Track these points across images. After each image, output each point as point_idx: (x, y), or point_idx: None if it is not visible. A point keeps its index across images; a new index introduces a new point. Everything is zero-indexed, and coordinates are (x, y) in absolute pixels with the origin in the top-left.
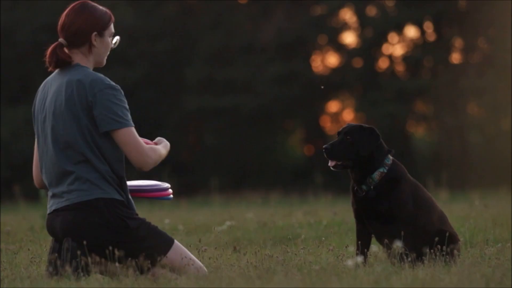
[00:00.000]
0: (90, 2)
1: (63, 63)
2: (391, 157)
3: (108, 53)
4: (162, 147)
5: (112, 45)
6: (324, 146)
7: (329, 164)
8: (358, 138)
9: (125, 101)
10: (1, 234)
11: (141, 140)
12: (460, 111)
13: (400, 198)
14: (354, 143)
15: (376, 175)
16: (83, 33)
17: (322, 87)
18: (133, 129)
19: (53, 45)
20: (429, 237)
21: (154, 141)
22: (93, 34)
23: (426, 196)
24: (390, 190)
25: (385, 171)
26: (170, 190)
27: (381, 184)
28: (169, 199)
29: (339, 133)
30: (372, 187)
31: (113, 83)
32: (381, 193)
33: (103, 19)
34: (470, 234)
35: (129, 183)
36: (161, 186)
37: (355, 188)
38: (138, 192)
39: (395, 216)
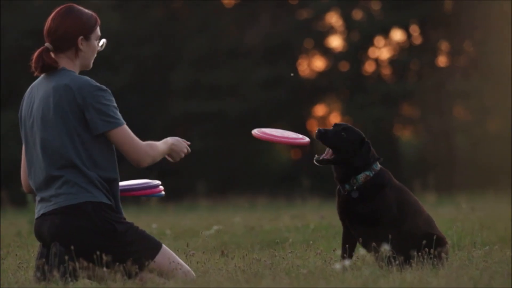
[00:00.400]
0: (75, 6)
1: (49, 68)
2: (378, 164)
3: (95, 56)
4: (161, 142)
5: (99, 48)
6: (318, 128)
7: (314, 158)
8: (352, 140)
9: (114, 100)
10: None
11: (135, 137)
12: (447, 114)
13: (383, 202)
14: (344, 140)
15: (361, 177)
16: (69, 37)
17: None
18: (126, 127)
19: (39, 50)
20: (415, 241)
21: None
22: (79, 38)
23: (411, 200)
24: (374, 194)
25: (371, 175)
26: (161, 187)
27: (365, 187)
28: (161, 195)
29: (336, 124)
30: (355, 187)
31: (100, 85)
32: (364, 196)
33: (89, 22)
34: (457, 237)
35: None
36: (152, 183)
37: (338, 188)
38: (129, 191)
39: (378, 220)
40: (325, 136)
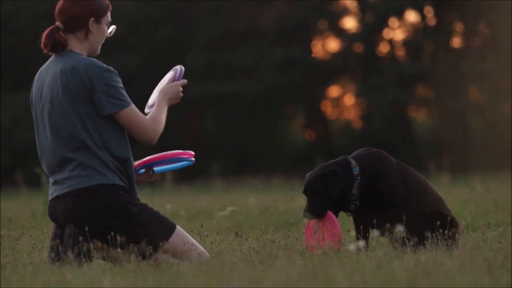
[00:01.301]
0: None
1: (59, 46)
2: (354, 163)
3: (103, 41)
4: (157, 107)
5: (108, 34)
6: (302, 215)
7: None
8: (325, 188)
9: (120, 81)
10: (3, 221)
11: (142, 115)
12: (461, 95)
13: (387, 184)
14: (323, 194)
15: (355, 190)
16: (81, 18)
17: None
18: (133, 107)
19: (49, 28)
20: (424, 220)
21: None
22: (90, 20)
23: (416, 179)
24: (376, 184)
25: (359, 181)
26: (192, 156)
27: (364, 190)
28: (191, 162)
29: (304, 193)
30: (357, 202)
31: (106, 66)
32: (367, 196)
33: (101, 6)
34: (471, 218)
35: (148, 157)
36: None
37: (347, 212)
38: (161, 160)
39: (390, 202)
40: (313, 213)
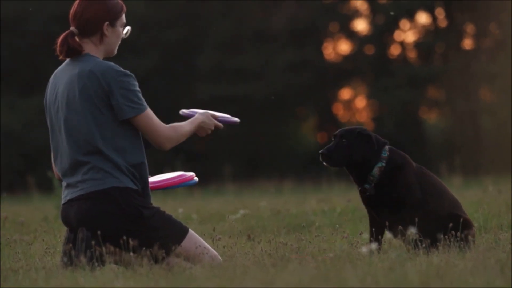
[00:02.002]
0: None
1: (74, 52)
2: (387, 148)
3: (119, 43)
4: (188, 122)
5: (123, 36)
6: (320, 151)
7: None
8: (354, 142)
9: (137, 85)
10: (15, 225)
11: (159, 121)
12: (472, 96)
13: (406, 183)
14: (349, 146)
15: (376, 171)
16: (95, 22)
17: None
18: (149, 112)
19: (64, 34)
20: (440, 222)
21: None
22: (105, 23)
23: (434, 181)
24: (395, 179)
25: (384, 164)
26: (195, 177)
27: (383, 178)
28: (195, 182)
29: (334, 135)
30: (373, 184)
31: (124, 70)
32: (385, 186)
33: (115, 9)
34: (484, 220)
35: (152, 178)
36: (186, 175)
37: (360, 189)
38: (163, 184)
39: (403, 203)
40: (330, 157)
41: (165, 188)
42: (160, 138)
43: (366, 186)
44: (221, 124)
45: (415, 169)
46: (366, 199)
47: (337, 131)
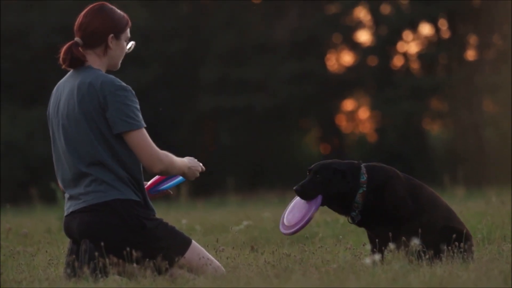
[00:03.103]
0: (108, 4)
1: (77, 62)
2: (364, 171)
3: (123, 57)
4: (178, 159)
5: (127, 50)
6: (294, 188)
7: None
8: (327, 177)
9: (137, 101)
10: (19, 237)
11: (152, 143)
12: (476, 107)
13: (394, 198)
14: (323, 181)
15: (358, 197)
16: (100, 34)
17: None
18: (144, 131)
19: (68, 43)
20: (435, 234)
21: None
22: (110, 36)
23: (425, 193)
24: (380, 197)
25: (365, 189)
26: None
27: (368, 200)
28: (182, 180)
29: (309, 170)
30: (357, 211)
31: (124, 84)
32: (371, 207)
33: (120, 22)
34: (487, 231)
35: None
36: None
37: (348, 219)
38: (154, 189)
39: (397, 217)
40: (304, 192)
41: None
42: (152, 158)
43: (353, 214)
44: (203, 168)
45: (403, 181)
46: (358, 223)
47: (312, 166)
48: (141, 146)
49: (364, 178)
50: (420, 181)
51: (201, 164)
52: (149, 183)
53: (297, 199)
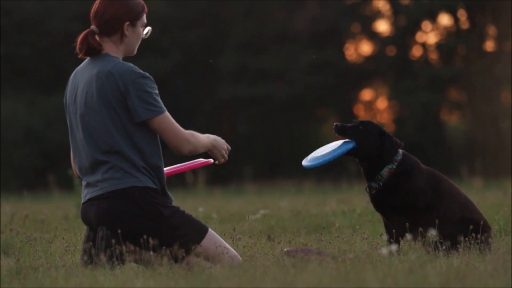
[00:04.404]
0: None
1: (93, 51)
2: (401, 152)
3: (139, 43)
4: (203, 136)
5: (143, 36)
6: (334, 124)
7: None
8: (369, 131)
9: (156, 87)
10: (36, 223)
11: (177, 124)
12: (494, 99)
13: (414, 188)
14: (363, 132)
15: (385, 171)
16: (115, 22)
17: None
18: (168, 114)
19: (84, 32)
20: (453, 225)
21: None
22: (125, 23)
23: (445, 185)
24: (402, 183)
25: (394, 167)
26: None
27: (390, 179)
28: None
29: (354, 120)
30: (381, 183)
31: (143, 72)
32: (392, 188)
33: (136, 9)
34: (504, 222)
35: (169, 168)
36: (202, 160)
37: (366, 186)
38: (180, 169)
39: (413, 207)
40: (343, 130)
41: (182, 171)
42: (179, 140)
43: (373, 184)
44: (229, 147)
45: (425, 173)
46: (374, 201)
47: (361, 120)
48: (167, 130)
49: (398, 157)
50: (441, 173)
51: (227, 144)
52: (179, 165)
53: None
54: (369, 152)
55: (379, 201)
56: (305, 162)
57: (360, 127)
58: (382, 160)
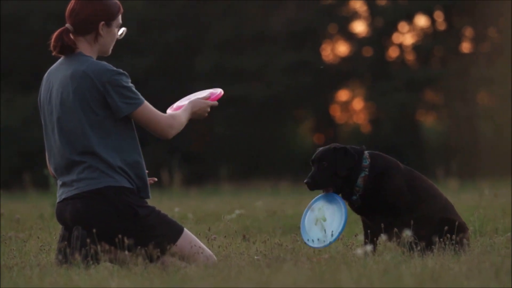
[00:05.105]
0: None
1: (68, 49)
2: (367, 155)
3: (114, 43)
4: (182, 111)
5: (118, 37)
6: (304, 181)
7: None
8: (333, 160)
9: (130, 81)
10: (11, 222)
11: (157, 111)
12: (470, 100)
13: (393, 187)
14: (330, 166)
15: (360, 181)
16: (91, 21)
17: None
18: (147, 104)
19: (59, 30)
20: (432, 226)
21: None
22: (100, 23)
23: (425, 185)
24: (381, 184)
25: (367, 173)
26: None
27: (369, 186)
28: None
29: (312, 161)
30: (359, 194)
31: (116, 68)
32: (371, 193)
33: (112, 9)
34: (479, 224)
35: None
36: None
37: (348, 202)
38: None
39: (395, 207)
40: (315, 183)
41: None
42: (162, 126)
43: (354, 198)
44: (215, 102)
45: (403, 171)
46: (356, 209)
47: (313, 156)
48: (150, 120)
49: (366, 162)
50: (420, 173)
51: (208, 102)
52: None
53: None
54: (345, 174)
55: (364, 209)
56: (315, 244)
57: (323, 164)
58: (353, 173)
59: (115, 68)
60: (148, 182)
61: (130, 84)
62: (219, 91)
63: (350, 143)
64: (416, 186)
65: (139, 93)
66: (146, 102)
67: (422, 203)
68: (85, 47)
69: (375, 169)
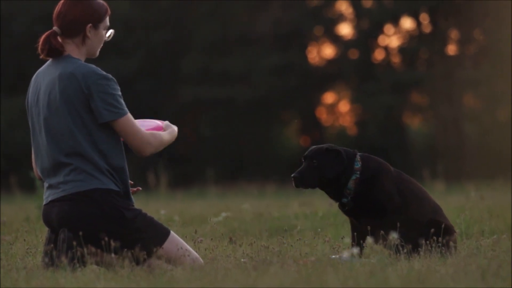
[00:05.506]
0: None
1: (55, 52)
2: (359, 158)
3: (101, 45)
4: (166, 133)
5: (106, 39)
6: (292, 175)
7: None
8: (324, 160)
9: (119, 89)
10: None
11: (139, 127)
12: (456, 102)
13: (384, 190)
14: (320, 166)
15: (351, 184)
16: (78, 23)
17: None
18: (130, 116)
19: (47, 33)
20: (421, 228)
21: (163, 123)
22: (88, 25)
23: (413, 187)
24: (371, 187)
25: (358, 175)
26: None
27: (359, 188)
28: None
29: (304, 157)
30: (350, 197)
31: (105, 73)
32: (362, 196)
33: (99, 11)
34: (465, 226)
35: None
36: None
37: (338, 204)
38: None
39: (385, 209)
40: (302, 179)
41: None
42: (140, 142)
43: (344, 200)
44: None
45: (393, 174)
46: (347, 211)
47: (306, 152)
48: (129, 133)
49: (358, 165)
50: (410, 177)
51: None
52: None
53: None
54: (334, 175)
55: (353, 211)
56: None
57: (314, 162)
58: (344, 176)
59: (103, 73)
60: (131, 190)
61: (117, 92)
62: (159, 125)
63: (336, 145)
64: (404, 189)
65: (123, 104)
66: (129, 114)
67: (411, 205)
68: (73, 50)
69: (366, 172)
